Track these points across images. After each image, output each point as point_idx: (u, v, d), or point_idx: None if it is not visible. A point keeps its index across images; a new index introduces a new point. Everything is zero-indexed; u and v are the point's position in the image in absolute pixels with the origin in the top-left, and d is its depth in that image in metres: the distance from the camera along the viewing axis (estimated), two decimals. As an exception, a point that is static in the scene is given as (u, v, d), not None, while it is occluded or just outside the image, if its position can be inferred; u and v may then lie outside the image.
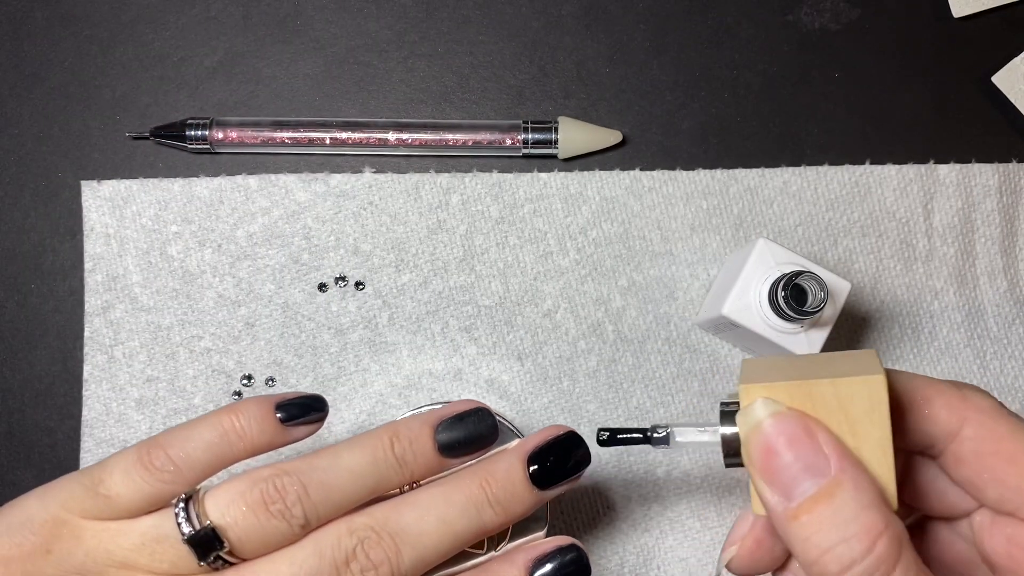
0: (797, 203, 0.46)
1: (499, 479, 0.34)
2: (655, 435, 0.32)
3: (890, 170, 0.46)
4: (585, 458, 0.35)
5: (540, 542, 0.35)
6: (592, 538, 0.44)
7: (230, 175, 0.46)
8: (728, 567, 0.33)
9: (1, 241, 0.46)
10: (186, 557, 0.32)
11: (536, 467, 0.34)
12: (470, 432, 0.35)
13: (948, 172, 0.46)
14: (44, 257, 0.46)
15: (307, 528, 0.33)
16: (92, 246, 0.45)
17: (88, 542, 0.32)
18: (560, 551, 0.34)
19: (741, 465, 0.30)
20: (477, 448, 0.35)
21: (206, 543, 0.31)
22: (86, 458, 0.44)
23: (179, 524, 0.32)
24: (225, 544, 0.31)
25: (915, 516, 0.33)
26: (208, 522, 0.32)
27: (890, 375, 0.29)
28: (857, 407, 0.28)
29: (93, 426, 0.44)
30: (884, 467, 0.28)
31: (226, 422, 0.34)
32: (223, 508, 0.32)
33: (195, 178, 0.46)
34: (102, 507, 0.32)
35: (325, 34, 0.47)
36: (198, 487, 0.33)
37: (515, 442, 0.36)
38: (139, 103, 0.47)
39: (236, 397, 0.45)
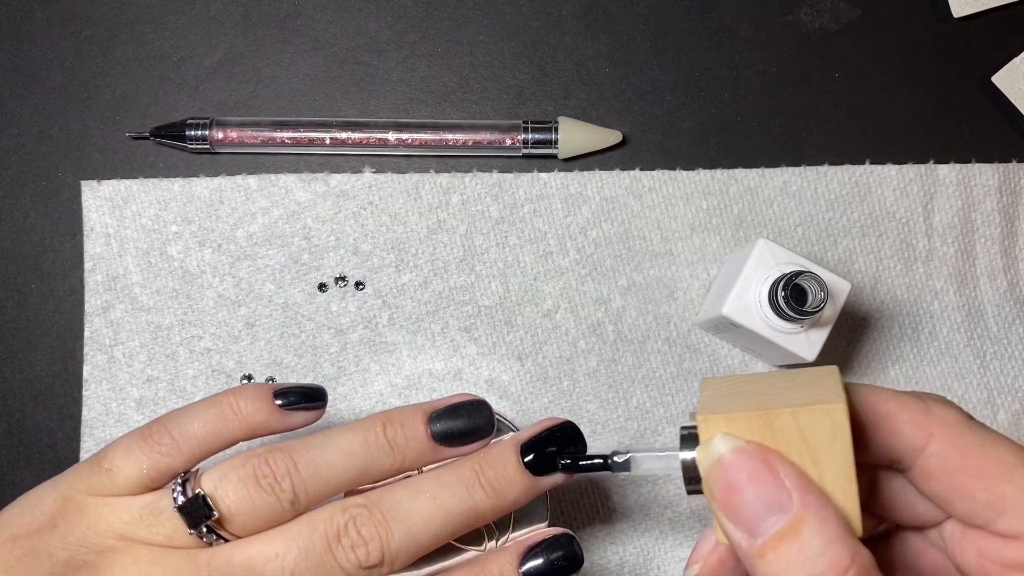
0: (797, 203, 0.46)
1: (491, 462, 0.34)
2: (615, 460, 0.33)
3: (890, 170, 0.46)
4: (581, 449, 0.35)
5: (533, 534, 0.35)
6: (592, 538, 0.44)
7: (230, 175, 0.46)
8: None
9: (1, 241, 0.46)
10: (181, 529, 0.33)
11: (531, 454, 0.34)
12: (464, 422, 0.35)
13: (948, 172, 0.46)
14: (44, 257, 0.46)
15: (296, 504, 0.33)
16: (92, 246, 0.45)
17: (90, 516, 0.33)
18: (552, 541, 0.35)
19: (702, 492, 0.29)
20: (471, 439, 0.35)
21: (196, 511, 0.32)
22: (86, 458, 0.44)
23: (175, 497, 0.33)
24: (215, 513, 0.32)
25: (887, 525, 0.33)
26: (199, 490, 0.33)
27: (852, 392, 0.29)
28: (819, 436, 0.27)
29: (93, 426, 0.44)
30: (848, 495, 0.27)
31: (224, 401, 0.35)
32: (216, 481, 0.33)
33: (195, 178, 0.46)
34: (105, 482, 0.33)
35: (325, 34, 0.47)
36: (196, 468, 0.34)
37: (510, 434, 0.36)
38: (139, 103, 0.47)
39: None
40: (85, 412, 0.45)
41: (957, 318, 0.46)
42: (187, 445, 0.34)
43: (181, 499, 0.33)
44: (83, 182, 0.45)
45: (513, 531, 0.37)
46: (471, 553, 0.36)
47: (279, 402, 0.35)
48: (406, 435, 0.35)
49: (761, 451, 0.28)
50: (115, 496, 0.34)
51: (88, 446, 0.44)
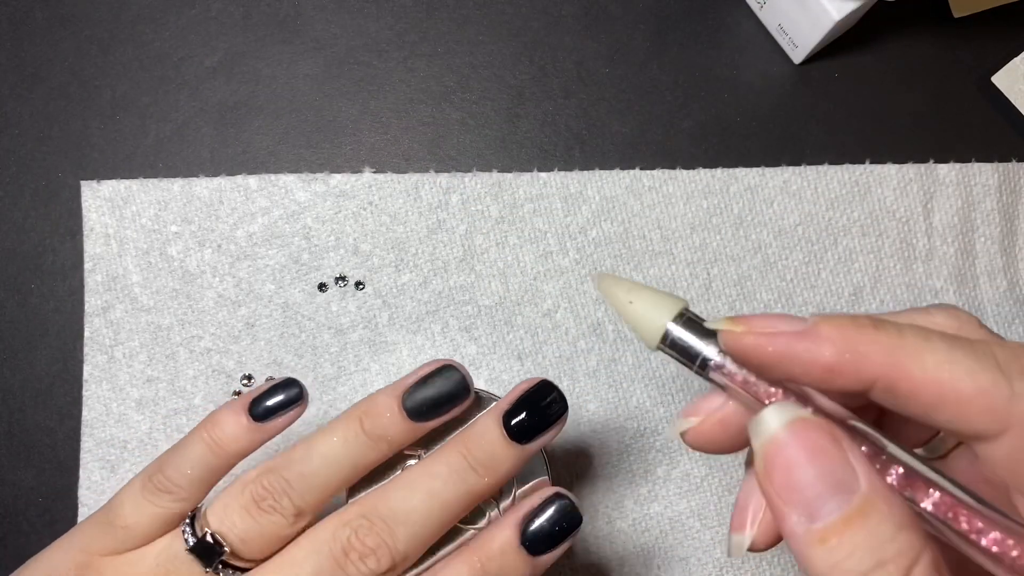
0: (797, 202, 0.46)
1: (476, 442, 0.34)
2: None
3: (890, 169, 0.46)
4: (561, 406, 0.35)
5: (527, 499, 0.35)
6: (592, 538, 0.44)
7: (230, 175, 0.46)
8: (682, 438, 0.30)
9: (1, 241, 0.46)
10: (198, 571, 0.33)
11: (513, 423, 0.34)
12: (436, 392, 0.35)
13: (948, 171, 0.46)
14: (44, 257, 0.46)
15: (301, 516, 0.34)
16: (92, 246, 0.45)
17: None
18: (547, 503, 0.34)
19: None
20: (448, 407, 0.35)
21: (207, 549, 0.33)
22: (86, 458, 0.44)
23: (186, 539, 0.33)
24: (225, 547, 0.33)
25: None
26: (207, 530, 0.33)
27: (894, 351, 0.25)
28: None
29: (93, 426, 0.44)
30: None
31: (205, 436, 0.35)
32: (220, 515, 0.33)
33: (195, 178, 0.46)
34: (121, 539, 0.34)
35: (325, 34, 0.47)
36: (201, 505, 0.35)
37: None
38: (139, 103, 0.47)
39: (236, 397, 0.45)
40: (85, 412, 0.45)
41: (957, 317, 0.46)
42: (190, 487, 0.34)
43: (192, 540, 0.33)
44: (83, 182, 0.45)
45: (518, 488, 0.37)
46: (471, 532, 0.36)
47: (256, 414, 0.35)
48: (384, 425, 0.34)
49: (824, 424, 0.25)
50: (132, 551, 0.34)
51: (88, 446, 0.44)
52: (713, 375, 0.28)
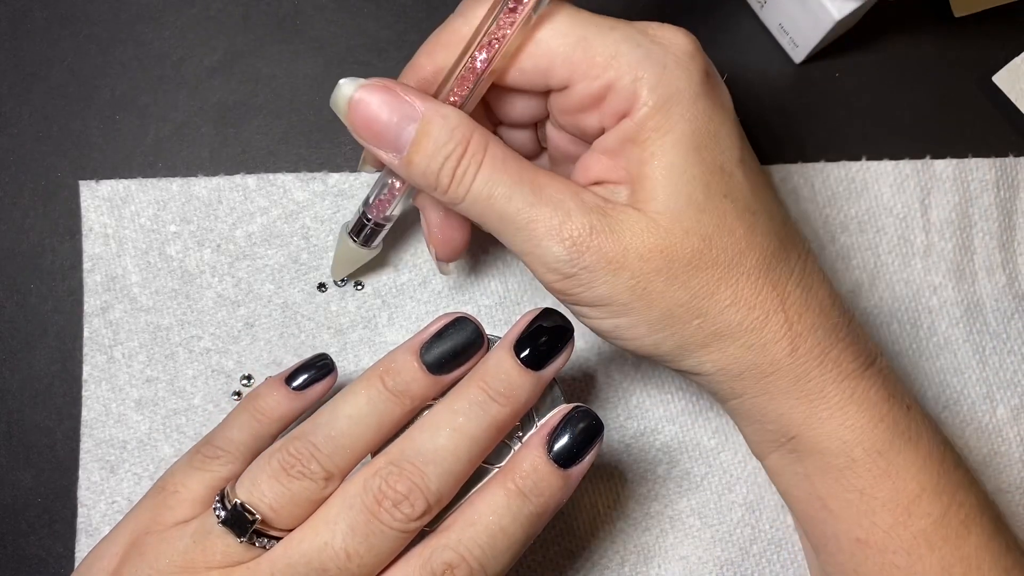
0: (794, 200, 0.46)
1: (493, 374, 0.35)
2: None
3: (887, 166, 0.46)
4: (567, 328, 0.36)
5: (547, 419, 0.35)
6: (592, 538, 0.44)
7: (228, 175, 0.46)
8: (442, 270, 0.42)
9: (0, 241, 0.46)
10: (233, 543, 0.33)
11: (525, 351, 0.35)
12: (453, 345, 0.36)
13: (945, 167, 0.46)
14: (43, 257, 0.46)
15: (331, 479, 0.34)
16: (91, 246, 0.45)
17: (149, 555, 0.34)
18: (568, 417, 0.35)
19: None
20: (465, 358, 0.36)
21: (238, 518, 0.33)
22: (85, 458, 0.44)
23: (217, 514, 0.34)
24: (257, 516, 0.33)
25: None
26: (236, 500, 0.33)
27: None
28: None
29: (92, 426, 0.44)
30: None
31: (249, 407, 0.37)
32: (248, 486, 0.34)
33: (193, 178, 0.46)
34: (171, 505, 0.35)
35: (325, 34, 0.47)
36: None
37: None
38: (139, 103, 0.47)
39: (236, 397, 0.45)
40: (85, 412, 0.44)
41: (956, 313, 0.46)
42: (236, 450, 0.36)
43: (223, 513, 0.33)
44: (81, 182, 0.45)
45: (539, 422, 0.37)
46: (496, 471, 0.36)
47: (294, 385, 0.38)
48: (406, 381, 0.35)
49: (381, 80, 0.35)
50: (180, 523, 0.34)
51: (87, 446, 0.44)
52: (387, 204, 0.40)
